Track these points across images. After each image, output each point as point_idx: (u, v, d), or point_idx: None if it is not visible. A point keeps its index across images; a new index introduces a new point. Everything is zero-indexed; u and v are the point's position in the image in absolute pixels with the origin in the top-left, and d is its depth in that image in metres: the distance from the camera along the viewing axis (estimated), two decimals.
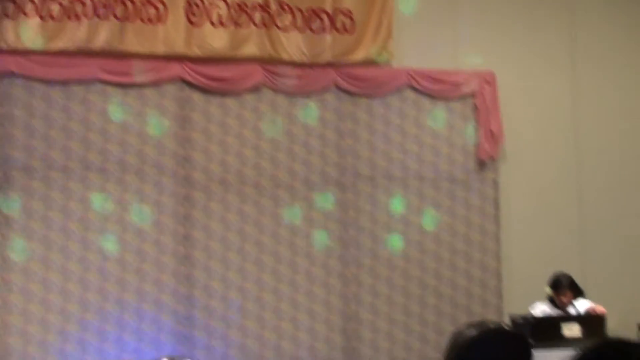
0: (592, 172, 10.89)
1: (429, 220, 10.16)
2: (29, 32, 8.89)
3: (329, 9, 9.87)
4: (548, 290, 8.78)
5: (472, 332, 1.99)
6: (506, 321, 8.92)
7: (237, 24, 9.57)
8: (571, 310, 8.67)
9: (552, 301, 8.81)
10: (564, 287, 8.74)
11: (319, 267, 9.78)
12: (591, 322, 8.35)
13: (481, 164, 10.42)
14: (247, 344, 9.45)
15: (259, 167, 9.68)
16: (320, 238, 9.76)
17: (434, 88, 10.21)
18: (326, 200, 9.82)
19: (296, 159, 9.78)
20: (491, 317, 10.21)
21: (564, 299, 8.73)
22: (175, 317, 9.24)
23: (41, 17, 8.95)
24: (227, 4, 9.57)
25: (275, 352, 9.55)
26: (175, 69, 9.39)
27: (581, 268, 10.53)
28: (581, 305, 8.75)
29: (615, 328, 9.54)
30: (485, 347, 1.95)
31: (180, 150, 9.45)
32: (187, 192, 9.42)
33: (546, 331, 8.19)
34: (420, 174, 10.20)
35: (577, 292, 8.87)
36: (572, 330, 8.27)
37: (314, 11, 9.83)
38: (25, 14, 8.92)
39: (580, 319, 8.34)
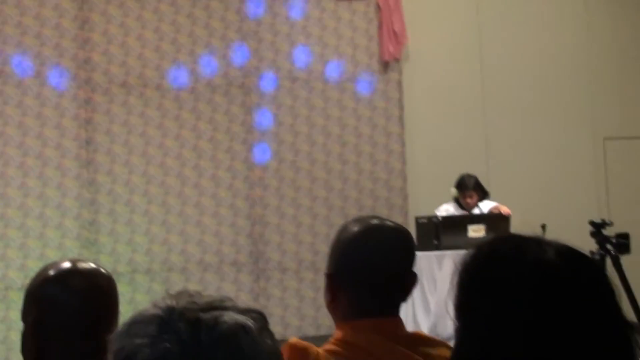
0: (496, 73, 11.59)
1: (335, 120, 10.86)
2: None
3: None
4: (453, 191, 9.36)
5: (355, 228, 2.44)
6: (411, 222, 9.67)
7: None
8: (476, 212, 9.29)
9: (458, 203, 9.41)
10: (469, 188, 9.30)
11: (224, 169, 10.43)
12: (496, 222, 8.98)
13: (385, 65, 11.10)
14: (152, 249, 10.10)
15: (161, 69, 10.25)
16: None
17: None
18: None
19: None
20: (397, 218, 11.00)
21: (469, 200, 9.30)
22: (79, 221, 9.84)
23: None
24: None
25: (182, 256, 10.22)
26: None
27: (486, 169, 11.30)
28: (486, 206, 9.36)
29: (520, 229, 10.42)
30: (368, 242, 2.39)
31: (81, 52, 9.97)
32: (88, 95, 9.96)
33: (451, 232, 8.82)
34: (324, 75, 10.84)
35: (482, 194, 9.46)
36: (477, 230, 8.89)
37: None
38: None
39: (485, 219, 8.97)
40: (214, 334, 1.36)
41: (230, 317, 1.38)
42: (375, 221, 2.54)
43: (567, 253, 1.70)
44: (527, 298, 1.64)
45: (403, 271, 2.48)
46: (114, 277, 2.56)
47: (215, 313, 1.38)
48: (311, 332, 10.51)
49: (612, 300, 1.68)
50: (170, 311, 1.38)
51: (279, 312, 10.55)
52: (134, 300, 9.88)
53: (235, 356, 1.36)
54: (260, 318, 1.43)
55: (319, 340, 8.36)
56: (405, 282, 2.48)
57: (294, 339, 2.33)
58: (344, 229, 2.52)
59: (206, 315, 1.38)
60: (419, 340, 2.39)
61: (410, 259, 2.52)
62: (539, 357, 1.61)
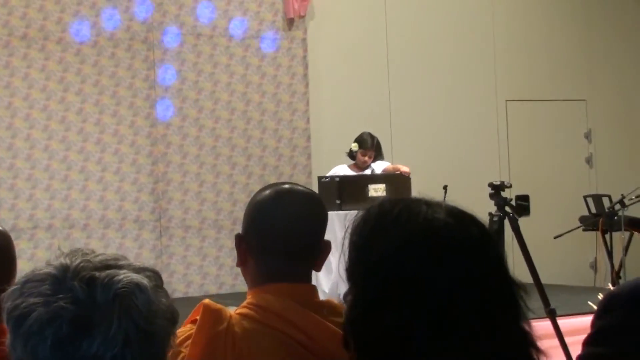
0: (401, 32, 11.68)
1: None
2: None
3: None
4: (354, 146, 9.36)
5: (266, 192, 2.44)
6: (315, 181, 9.73)
7: None
8: (368, 172, 9.30)
9: (354, 163, 9.41)
10: (369, 147, 9.31)
11: (126, 126, 10.35)
12: (397, 182, 9.04)
13: (290, 23, 11.11)
14: (53, 205, 10.00)
15: (62, 22, 10.09)
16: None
17: None
18: (132, 59, 10.36)
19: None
20: (300, 177, 11.07)
21: (367, 158, 9.31)
22: None
23: None
24: None
25: (83, 213, 10.14)
26: None
27: (389, 129, 11.41)
28: (379, 166, 9.39)
29: (422, 189, 10.56)
30: (278, 206, 2.40)
31: None
32: None
33: (352, 191, 8.89)
34: (229, 32, 10.81)
35: (379, 155, 9.48)
36: (378, 190, 8.97)
37: None
38: None
39: (385, 178, 9.03)
40: (108, 293, 1.37)
41: (125, 275, 1.39)
42: (286, 186, 2.53)
43: (457, 214, 1.72)
44: (418, 257, 1.66)
45: (314, 238, 2.47)
46: (14, 233, 2.51)
47: (110, 272, 1.39)
48: (213, 290, 10.54)
49: (500, 260, 1.72)
50: (64, 270, 1.38)
51: (182, 269, 10.54)
52: (34, 257, 9.77)
53: (130, 314, 1.37)
54: (155, 276, 1.44)
55: (221, 298, 8.37)
56: (316, 249, 2.48)
57: (207, 300, 2.33)
58: (257, 193, 2.51)
59: (101, 274, 1.38)
60: (331, 309, 2.41)
61: (322, 226, 2.51)
62: (430, 316, 1.64)
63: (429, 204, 1.73)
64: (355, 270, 1.73)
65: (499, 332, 1.66)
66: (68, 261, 1.40)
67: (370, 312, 1.68)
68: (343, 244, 1.75)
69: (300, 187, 2.55)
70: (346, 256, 1.73)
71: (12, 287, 1.39)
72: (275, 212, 2.42)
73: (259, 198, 2.47)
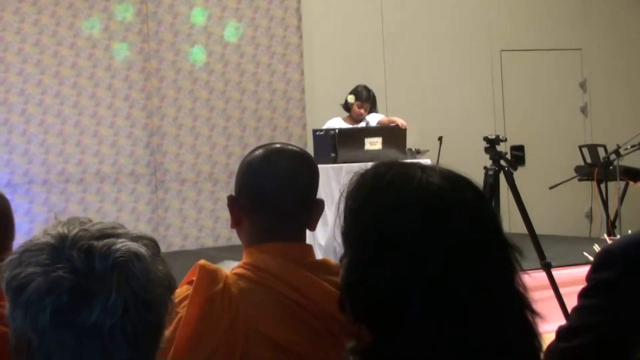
0: None
1: (231, 32, 10.80)
2: None
3: None
4: (350, 97, 9.30)
5: (258, 151, 2.45)
6: (310, 134, 9.71)
7: None
8: (363, 124, 9.28)
9: (348, 115, 9.36)
10: (365, 99, 9.26)
11: (120, 80, 10.33)
12: (393, 134, 8.96)
13: None
14: (49, 160, 10.00)
15: None
16: (120, 50, 10.29)
17: None
18: (126, 11, 10.31)
19: None
20: (295, 130, 11.07)
21: (362, 111, 9.27)
22: None
23: None
24: None
25: (79, 167, 10.15)
26: None
27: (384, 81, 11.41)
28: (373, 119, 9.37)
29: (417, 141, 10.56)
30: (269, 165, 2.41)
31: None
32: None
33: (348, 144, 8.86)
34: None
35: (373, 108, 9.42)
36: (374, 143, 8.94)
37: None
38: None
39: (381, 131, 8.97)
40: (107, 262, 1.38)
41: (122, 244, 1.40)
42: (277, 145, 2.55)
43: (451, 177, 1.74)
44: (411, 222, 1.67)
45: (305, 196, 2.49)
46: (10, 188, 2.52)
47: (108, 241, 1.40)
48: (209, 243, 10.58)
49: (495, 223, 1.73)
50: (62, 239, 1.39)
51: (178, 223, 10.57)
52: (30, 212, 9.79)
53: (128, 283, 1.39)
54: (152, 245, 1.45)
55: (218, 251, 8.36)
56: (308, 207, 2.50)
57: (202, 261, 2.35)
58: (248, 154, 2.52)
59: (99, 243, 1.39)
60: (326, 268, 2.43)
61: (314, 184, 2.52)
62: (423, 282, 1.65)
63: (423, 168, 1.74)
64: (350, 234, 1.74)
65: (494, 296, 1.68)
66: (66, 230, 1.41)
67: (365, 277, 1.69)
68: (338, 207, 1.76)
69: (291, 146, 2.57)
70: (341, 220, 1.74)
71: (10, 257, 1.40)
72: (266, 171, 2.44)
73: (250, 158, 2.49)
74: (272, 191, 2.44)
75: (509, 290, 1.71)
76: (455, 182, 1.73)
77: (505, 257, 1.71)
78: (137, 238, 1.43)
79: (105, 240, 1.40)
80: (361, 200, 1.74)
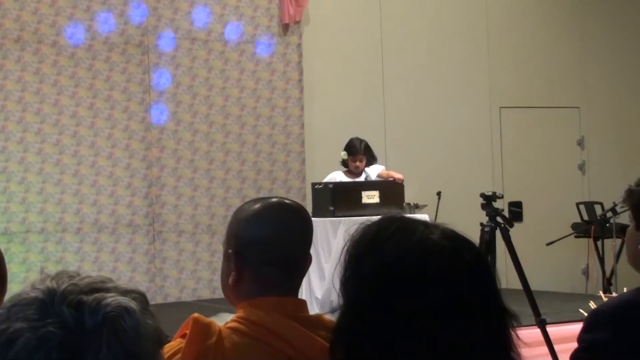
0: (396, 39, 11.69)
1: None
2: None
3: None
4: (344, 154, 9.26)
5: (256, 205, 2.46)
6: (309, 187, 9.71)
7: None
8: (363, 177, 9.20)
9: (347, 169, 9.31)
10: (359, 152, 9.20)
11: (120, 130, 10.36)
12: (390, 189, 9.00)
13: (285, 28, 11.12)
14: (46, 209, 9.99)
15: (57, 25, 10.09)
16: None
17: None
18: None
19: None
20: (294, 182, 11.08)
21: (358, 164, 9.20)
22: None
23: None
24: None
25: (76, 217, 10.13)
26: None
27: (383, 136, 11.43)
28: (373, 171, 9.31)
29: (415, 195, 10.58)
30: (271, 218, 2.42)
31: None
32: None
33: (346, 198, 8.87)
34: (224, 36, 10.81)
35: (371, 158, 9.38)
36: (371, 197, 8.95)
37: None
38: None
39: (379, 185, 8.99)
40: (97, 317, 1.37)
41: (113, 298, 1.39)
42: (274, 199, 2.55)
43: (452, 236, 1.75)
44: (408, 276, 1.68)
45: (303, 251, 2.51)
46: (7, 237, 2.51)
47: (98, 295, 1.39)
48: (206, 295, 10.53)
49: (492, 286, 1.73)
50: (51, 294, 1.38)
51: (175, 274, 10.53)
52: (27, 260, 9.77)
53: (118, 338, 1.37)
54: (142, 298, 1.44)
55: (215, 302, 8.33)
56: (303, 263, 2.51)
57: (196, 315, 2.34)
58: (242, 208, 2.52)
59: (88, 298, 1.38)
60: (319, 323, 2.43)
61: (310, 239, 2.54)
62: (415, 336, 1.65)
63: (427, 224, 1.76)
64: (348, 281, 1.76)
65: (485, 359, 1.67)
66: (55, 284, 1.39)
67: (359, 324, 1.70)
68: (341, 255, 1.79)
69: (287, 200, 2.58)
70: (342, 267, 1.77)
71: None
72: (280, 223, 2.45)
73: (250, 212, 2.47)
74: (287, 243, 2.45)
75: (501, 355, 1.69)
76: (455, 241, 1.74)
77: (500, 321, 1.71)
78: (126, 292, 1.42)
79: (95, 295, 1.38)
80: (362, 249, 1.76)
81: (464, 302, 1.67)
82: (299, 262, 2.49)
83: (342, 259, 1.78)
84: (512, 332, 1.72)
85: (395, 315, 1.67)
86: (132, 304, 1.40)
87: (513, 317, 1.72)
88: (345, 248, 1.78)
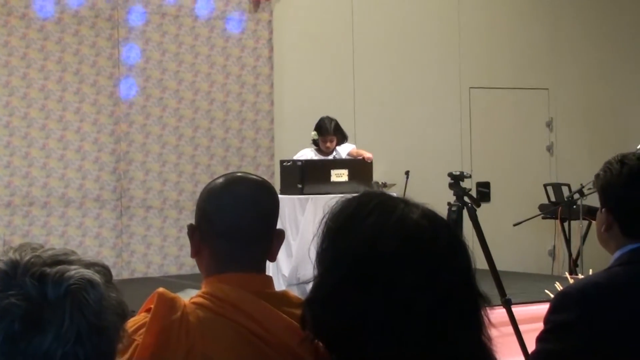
0: (368, 18, 11.67)
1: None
2: None
3: None
4: (314, 134, 9.27)
5: (219, 180, 2.45)
6: (277, 164, 9.70)
7: None
8: (335, 156, 9.27)
9: (317, 146, 9.33)
10: (329, 132, 9.21)
11: (88, 104, 10.30)
12: (359, 167, 9.04)
13: (256, 4, 11.07)
14: (13, 182, 9.93)
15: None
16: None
17: None
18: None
19: None
20: (263, 159, 11.07)
21: (329, 144, 9.23)
22: None
23: None
24: None
25: (43, 191, 10.08)
26: None
27: (353, 114, 11.43)
28: (344, 150, 9.35)
29: (384, 175, 10.61)
30: (231, 194, 2.41)
31: None
32: None
33: (314, 176, 8.88)
34: (194, 12, 10.76)
35: (342, 137, 9.39)
36: (340, 175, 8.96)
37: None
38: None
39: (348, 164, 9.01)
40: (59, 289, 1.36)
41: (76, 271, 1.38)
42: (239, 174, 2.55)
43: (431, 216, 1.76)
44: (384, 253, 1.69)
45: (265, 225, 2.47)
46: None
47: (61, 267, 1.38)
48: (173, 270, 10.52)
49: (467, 270, 1.75)
50: (14, 265, 1.37)
51: (142, 249, 10.51)
52: None
53: (81, 310, 1.37)
54: (105, 271, 1.43)
55: (181, 279, 8.33)
56: (268, 237, 2.47)
57: (161, 289, 2.32)
58: (210, 182, 2.51)
59: (52, 270, 1.37)
60: (285, 300, 2.41)
61: (273, 213, 2.50)
62: (387, 312, 1.66)
63: (407, 202, 1.77)
64: (325, 253, 1.77)
65: (455, 342, 1.68)
66: (18, 256, 1.39)
67: (332, 296, 1.71)
68: (319, 227, 1.79)
69: (252, 176, 2.55)
70: (319, 239, 1.78)
71: None
72: (227, 196, 2.42)
73: (211, 186, 2.47)
74: (233, 215, 2.41)
75: (472, 339, 1.71)
76: (435, 222, 1.76)
77: (473, 303, 1.73)
78: (90, 265, 1.41)
79: (58, 267, 1.38)
80: (341, 222, 1.77)
81: (439, 281, 1.68)
82: (257, 236, 2.45)
83: (319, 230, 1.78)
84: (484, 315, 1.73)
85: (369, 290, 1.68)
86: (96, 277, 1.39)
87: (486, 301, 1.74)
88: (324, 220, 1.78)
